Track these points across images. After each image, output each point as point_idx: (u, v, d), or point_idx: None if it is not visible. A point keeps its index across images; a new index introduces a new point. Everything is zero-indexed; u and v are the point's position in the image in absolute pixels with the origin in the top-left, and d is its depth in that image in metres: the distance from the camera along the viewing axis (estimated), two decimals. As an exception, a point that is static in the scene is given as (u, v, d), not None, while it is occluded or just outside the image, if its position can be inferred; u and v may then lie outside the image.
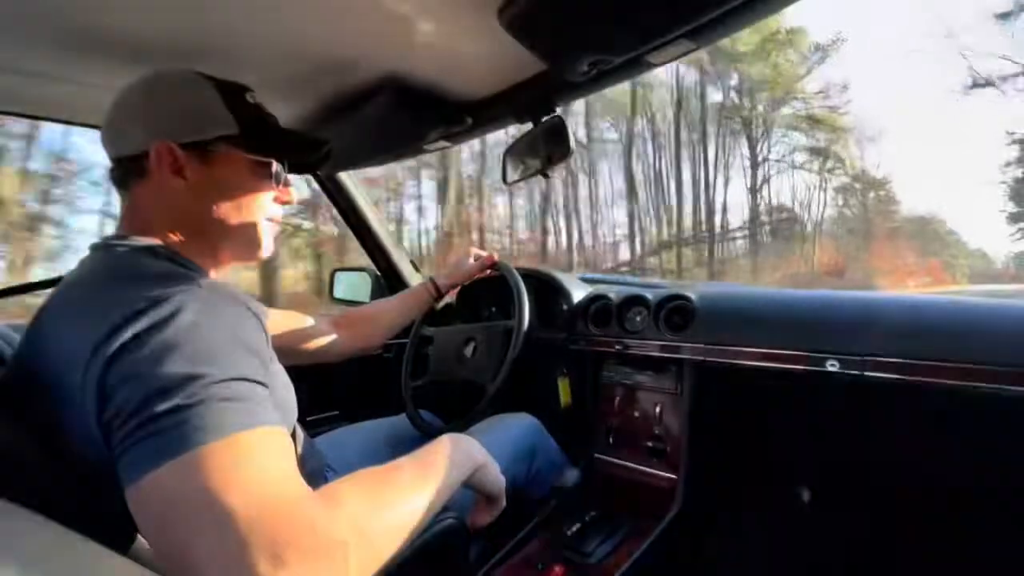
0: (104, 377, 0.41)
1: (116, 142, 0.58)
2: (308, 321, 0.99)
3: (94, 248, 0.56)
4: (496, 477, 0.68)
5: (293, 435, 0.63)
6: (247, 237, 0.63)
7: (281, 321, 0.94)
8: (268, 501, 0.39)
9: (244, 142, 0.60)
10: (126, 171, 0.58)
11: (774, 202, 20.87)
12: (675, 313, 1.07)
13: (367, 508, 0.45)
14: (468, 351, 1.17)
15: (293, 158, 0.67)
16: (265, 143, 0.62)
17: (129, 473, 0.39)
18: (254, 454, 0.40)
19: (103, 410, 0.41)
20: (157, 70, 0.60)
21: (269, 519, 0.38)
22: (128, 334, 0.41)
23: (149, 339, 0.41)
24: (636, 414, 1.10)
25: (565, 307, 1.24)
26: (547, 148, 0.94)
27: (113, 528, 0.45)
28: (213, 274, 0.62)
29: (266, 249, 0.66)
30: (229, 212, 0.61)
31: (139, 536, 0.47)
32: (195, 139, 0.58)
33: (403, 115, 0.92)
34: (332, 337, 1.02)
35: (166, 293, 0.45)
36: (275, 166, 0.64)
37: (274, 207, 0.66)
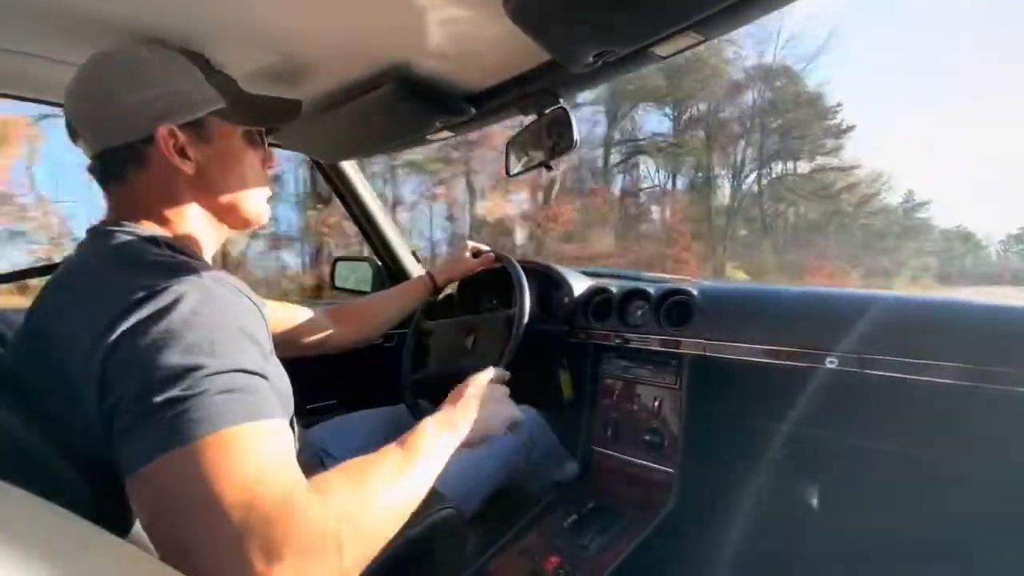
0: (104, 367, 0.41)
1: (106, 133, 0.56)
2: (306, 313, 0.99)
3: (92, 233, 0.55)
4: (482, 430, 0.66)
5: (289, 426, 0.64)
6: (252, 207, 0.65)
7: (279, 312, 0.94)
8: (264, 495, 0.39)
9: (232, 113, 0.61)
10: (121, 161, 0.56)
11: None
12: (676, 308, 1.07)
13: (357, 497, 0.45)
14: (469, 342, 1.17)
15: (274, 120, 0.68)
16: (248, 111, 0.63)
17: (129, 463, 0.39)
18: (252, 446, 0.40)
19: (103, 399, 0.41)
20: (120, 51, 0.58)
21: (264, 513, 0.38)
22: (129, 324, 0.41)
23: (150, 329, 0.41)
24: (635, 408, 1.10)
25: (566, 300, 1.24)
26: (551, 139, 0.94)
27: (112, 510, 0.45)
28: (210, 260, 0.62)
29: (267, 215, 0.67)
30: (235, 185, 0.62)
31: (137, 522, 0.47)
32: (191, 119, 0.57)
33: (406, 105, 0.91)
34: (330, 329, 1.02)
35: (167, 282, 0.44)
36: (260, 131, 0.66)
37: (265, 171, 0.67)
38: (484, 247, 1.21)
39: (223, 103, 0.60)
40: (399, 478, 0.51)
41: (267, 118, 0.67)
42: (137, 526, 0.47)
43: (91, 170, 0.58)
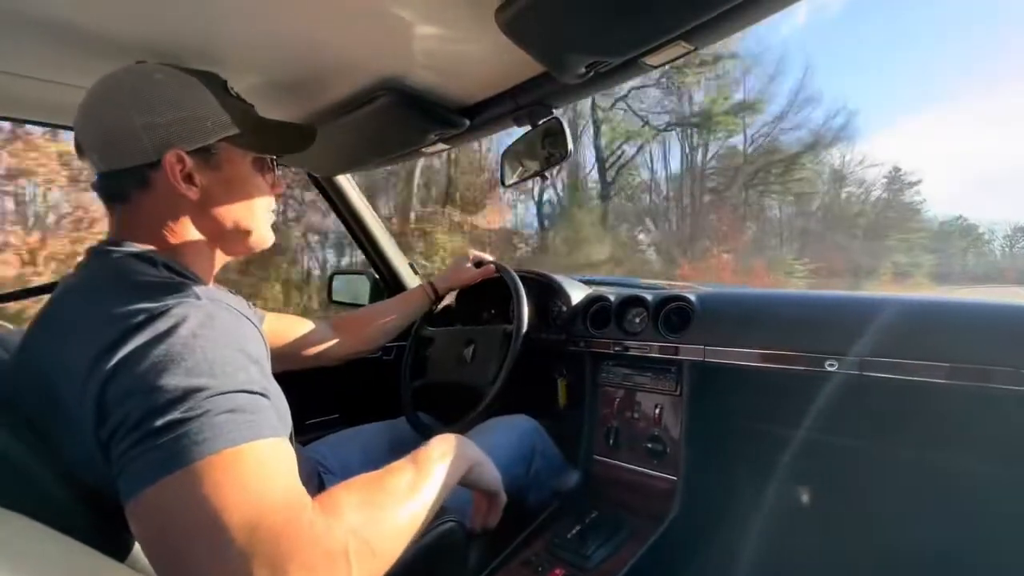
0: (103, 392, 0.40)
1: (113, 155, 0.55)
2: (306, 324, 0.99)
3: (91, 253, 0.55)
4: (492, 473, 0.68)
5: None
6: (256, 232, 0.64)
7: (278, 325, 0.94)
8: (269, 513, 0.38)
9: (244, 140, 0.60)
10: (126, 183, 0.56)
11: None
12: (674, 314, 1.07)
13: (367, 516, 0.45)
14: (468, 354, 1.17)
15: (287, 149, 0.67)
16: (262, 138, 0.63)
17: (129, 487, 0.39)
18: (256, 466, 0.40)
19: (101, 425, 0.41)
20: (133, 73, 0.57)
21: (270, 531, 0.37)
22: (127, 349, 0.41)
23: (149, 353, 0.41)
24: (635, 415, 1.09)
25: (564, 308, 1.24)
26: (545, 149, 0.95)
27: (109, 535, 0.44)
28: (208, 279, 0.62)
29: (270, 240, 0.67)
30: (239, 211, 0.61)
31: (135, 547, 0.47)
32: (201, 145, 0.57)
33: (402, 118, 0.92)
34: (330, 340, 1.02)
35: (165, 305, 0.44)
36: (271, 158, 0.65)
37: (271, 197, 0.67)
38: (487, 257, 1.22)
39: (235, 129, 0.59)
40: (410, 495, 0.50)
41: (282, 146, 0.66)
42: (135, 551, 0.46)
43: (95, 188, 0.58)
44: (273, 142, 0.65)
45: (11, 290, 1.08)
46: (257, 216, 0.63)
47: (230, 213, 0.60)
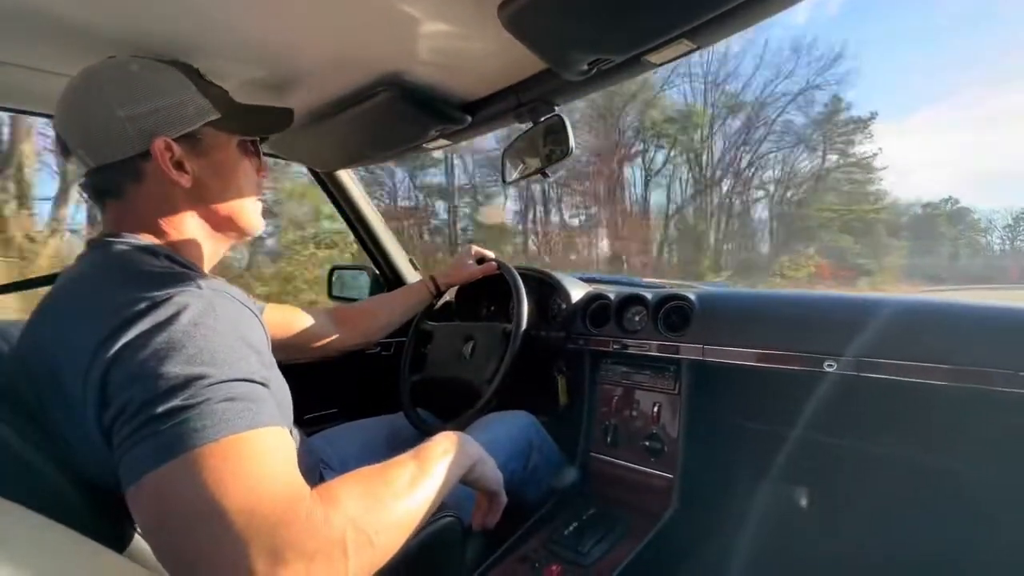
0: (105, 379, 0.41)
1: (102, 150, 0.55)
2: (306, 316, 0.99)
3: (90, 245, 0.55)
4: (493, 472, 0.68)
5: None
6: (246, 217, 0.65)
7: (279, 316, 0.94)
8: (267, 501, 0.39)
9: (227, 124, 0.61)
10: (118, 176, 0.56)
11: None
12: (673, 313, 1.07)
13: (366, 507, 0.45)
14: (467, 350, 1.17)
15: (268, 129, 0.68)
16: (243, 121, 0.64)
17: (130, 473, 0.39)
18: (254, 454, 0.40)
19: (104, 411, 0.41)
20: (110, 66, 0.56)
21: (268, 518, 0.38)
22: (130, 336, 0.41)
23: (151, 341, 0.41)
24: (634, 413, 1.10)
25: (564, 306, 1.24)
26: (547, 147, 0.94)
27: (110, 526, 0.45)
28: (208, 271, 0.62)
29: (262, 224, 0.67)
30: (229, 195, 0.62)
31: (136, 536, 0.47)
32: (186, 131, 0.57)
33: (403, 113, 0.91)
34: (330, 331, 1.02)
35: (167, 293, 0.45)
36: (255, 141, 0.66)
37: (259, 181, 0.67)
38: (489, 254, 1.22)
39: (217, 114, 0.60)
40: (411, 490, 0.51)
41: (262, 127, 0.67)
42: (134, 541, 0.46)
43: (84, 186, 0.58)
44: (254, 124, 0.66)
45: (13, 281, 1.08)
46: (248, 199, 0.65)
47: (223, 197, 0.61)
